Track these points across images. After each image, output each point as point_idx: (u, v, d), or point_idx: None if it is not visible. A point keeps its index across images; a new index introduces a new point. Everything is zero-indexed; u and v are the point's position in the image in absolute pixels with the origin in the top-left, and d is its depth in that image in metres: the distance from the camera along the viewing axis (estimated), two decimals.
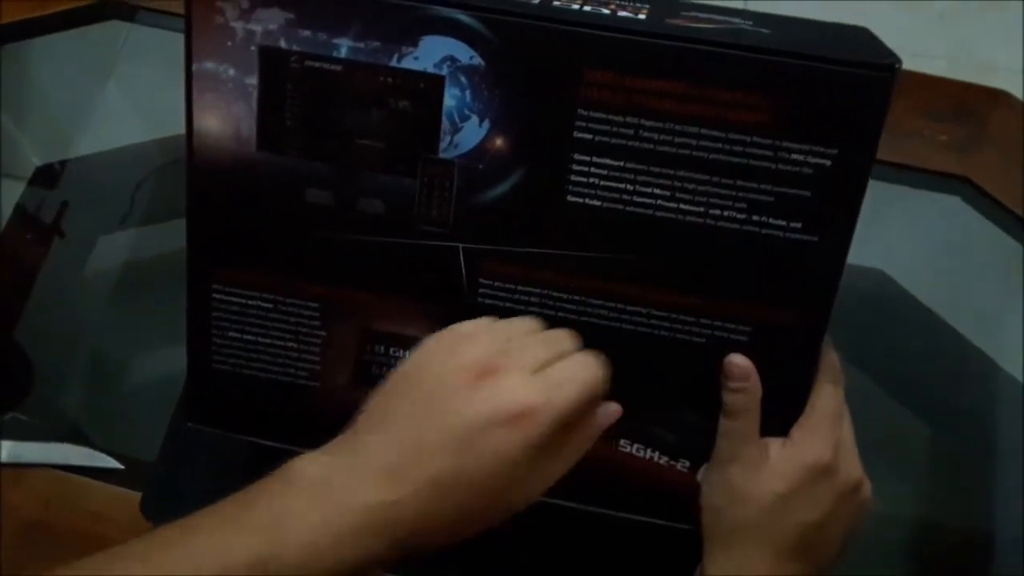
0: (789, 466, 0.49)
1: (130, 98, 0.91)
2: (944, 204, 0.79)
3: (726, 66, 0.45)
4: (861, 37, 0.49)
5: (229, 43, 0.48)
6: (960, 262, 0.81)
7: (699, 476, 0.52)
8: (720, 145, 0.46)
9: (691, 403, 0.51)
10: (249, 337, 0.54)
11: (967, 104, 0.82)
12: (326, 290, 0.52)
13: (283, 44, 0.48)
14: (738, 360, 0.49)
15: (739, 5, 0.60)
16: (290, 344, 0.53)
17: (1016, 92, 0.84)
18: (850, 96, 0.45)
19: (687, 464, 0.53)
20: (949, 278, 0.81)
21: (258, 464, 0.62)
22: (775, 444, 0.50)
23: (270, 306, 0.53)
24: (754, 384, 0.49)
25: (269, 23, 0.48)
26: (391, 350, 0.53)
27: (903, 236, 0.79)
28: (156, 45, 0.86)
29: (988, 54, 1.70)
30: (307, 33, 0.47)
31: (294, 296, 0.52)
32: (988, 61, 1.68)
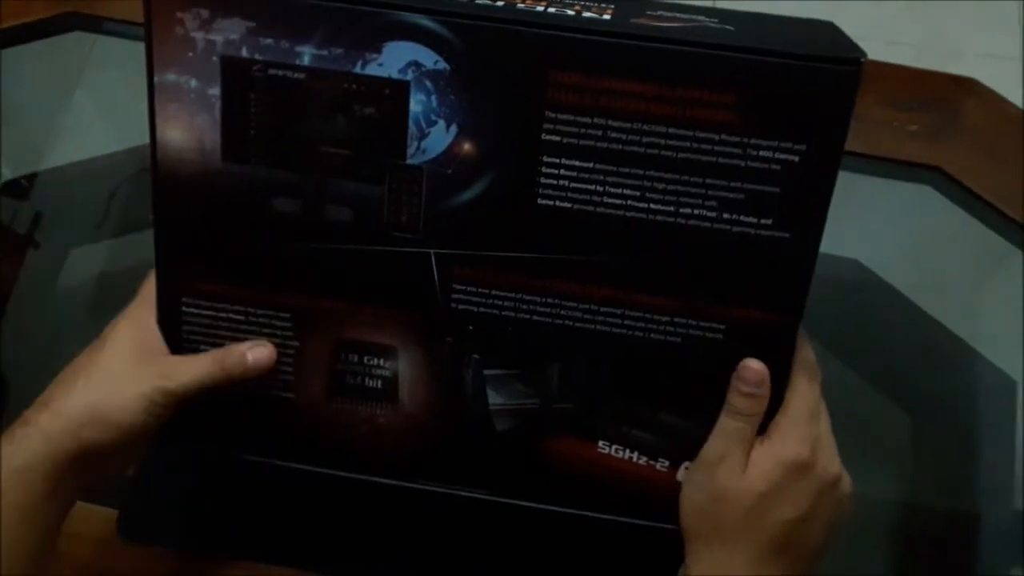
0: (767, 464, 0.49)
1: (99, 108, 0.91)
2: (916, 193, 0.80)
3: (692, 64, 0.45)
4: (827, 32, 0.49)
5: (190, 54, 0.48)
6: (934, 250, 0.82)
7: (679, 476, 0.52)
8: (688, 144, 0.46)
9: (668, 403, 0.51)
10: None
11: (936, 93, 0.83)
12: (297, 300, 0.52)
13: (245, 53, 0.47)
14: (755, 365, 0.49)
15: (707, 3, 0.60)
16: None
17: (986, 77, 0.84)
18: (816, 91, 0.45)
19: (666, 464, 0.52)
20: (924, 266, 0.81)
21: (235, 480, 0.62)
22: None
23: (241, 318, 0.52)
24: (765, 391, 0.49)
25: (230, 33, 0.47)
26: (365, 359, 0.52)
27: (877, 226, 0.79)
28: (123, 55, 0.85)
29: (958, 40, 1.70)
30: (269, 41, 0.47)
31: (265, 307, 0.52)
32: (958, 47, 1.69)
